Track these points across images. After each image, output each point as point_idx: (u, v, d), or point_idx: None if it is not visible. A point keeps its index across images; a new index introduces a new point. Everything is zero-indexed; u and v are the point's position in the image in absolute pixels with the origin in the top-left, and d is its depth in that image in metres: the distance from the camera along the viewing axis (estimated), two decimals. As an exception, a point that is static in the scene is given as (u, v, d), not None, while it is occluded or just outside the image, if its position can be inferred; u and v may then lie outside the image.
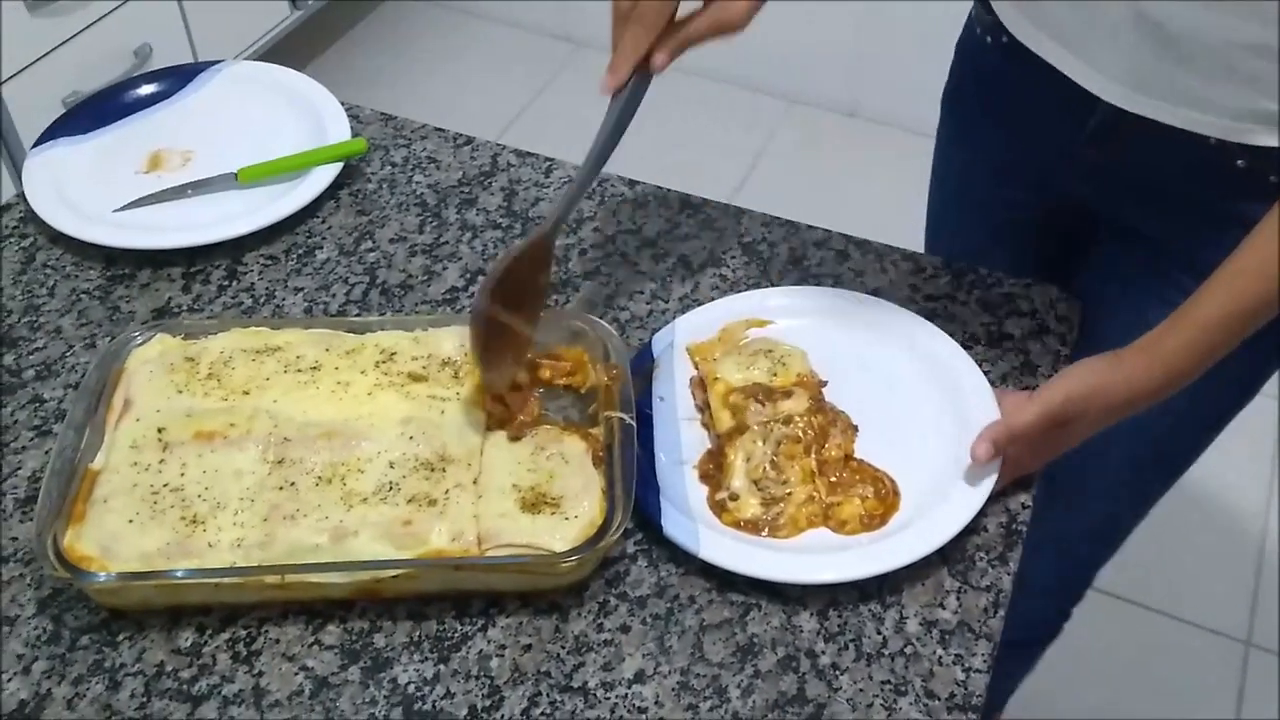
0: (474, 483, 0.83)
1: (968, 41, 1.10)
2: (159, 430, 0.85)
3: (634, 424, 0.85)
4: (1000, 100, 1.06)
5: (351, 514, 0.81)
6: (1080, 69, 0.95)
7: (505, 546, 0.79)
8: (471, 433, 0.86)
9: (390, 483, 0.82)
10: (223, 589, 0.80)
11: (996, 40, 1.02)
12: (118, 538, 0.79)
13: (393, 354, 0.90)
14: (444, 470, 0.83)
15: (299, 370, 0.89)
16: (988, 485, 0.85)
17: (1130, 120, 0.93)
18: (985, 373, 0.96)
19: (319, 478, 0.83)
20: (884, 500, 0.86)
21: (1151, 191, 0.98)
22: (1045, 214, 1.09)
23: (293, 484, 0.82)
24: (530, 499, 0.82)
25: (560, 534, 0.80)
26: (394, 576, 0.79)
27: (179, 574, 0.78)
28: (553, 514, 0.81)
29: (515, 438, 0.86)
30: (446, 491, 0.82)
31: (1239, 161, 0.90)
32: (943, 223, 1.22)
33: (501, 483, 0.83)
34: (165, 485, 0.82)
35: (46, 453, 0.90)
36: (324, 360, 0.90)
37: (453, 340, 0.91)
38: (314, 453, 0.84)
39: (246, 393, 0.88)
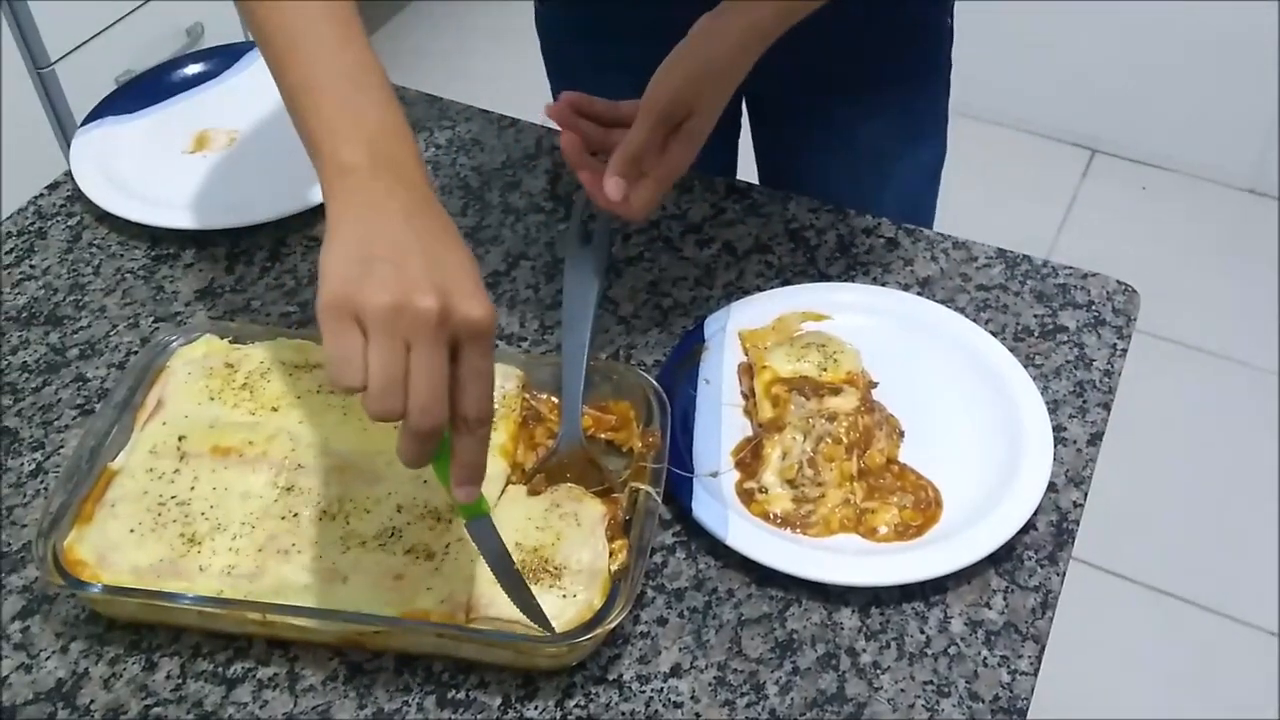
0: None
1: None
2: (180, 438, 0.84)
3: (660, 501, 0.80)
4: None
5: (346, 557, 0.78)
6: None
7: (494, 620, 0.75)
8: (488, 484, 0.81)
9: (393, 528, 0.80)
10: (205, 617, 0.78)
11: None
12: (116, 547, 0.78)
13: None
14: (450, 521, 0.80)
15: (331, 393, 0.87)
16: (1030, 505, 0.83)
17: None
18: (1038, 366, 0.93)
19: (324, 512, 0.80)
20: (923, 511, 0.84)
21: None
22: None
23: (295, 515, 0.80)
24: (531, 563, 0.78)
25: (554, 613, 0.75)
26: (375, 632, 0.77)
27: (163, 596, 0.76)
28: (550, 587, 0.77)
29: (534, 493, 0.83)
30: (447, 545, 0.79)
31: None
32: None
33: (505, 540, 0.79)
34: (173, 498, 0.81)
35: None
36: None
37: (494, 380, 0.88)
38: (325, 485, 0.81)
39: (275, 409, 0.86)
